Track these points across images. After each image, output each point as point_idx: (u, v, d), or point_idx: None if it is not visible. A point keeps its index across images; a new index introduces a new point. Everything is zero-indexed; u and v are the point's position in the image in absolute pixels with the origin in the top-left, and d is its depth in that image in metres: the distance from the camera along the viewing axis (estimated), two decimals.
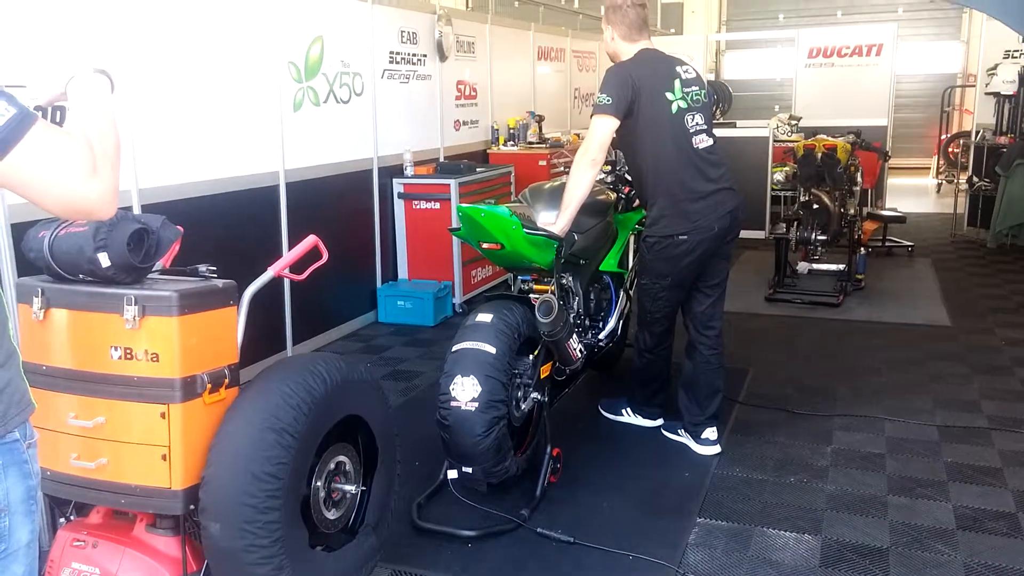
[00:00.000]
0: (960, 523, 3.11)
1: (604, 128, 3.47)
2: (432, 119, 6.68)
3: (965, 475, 3.48)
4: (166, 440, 2.18)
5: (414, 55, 6.30)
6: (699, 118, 3.61)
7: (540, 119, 8.13)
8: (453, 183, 5.96)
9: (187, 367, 2.17)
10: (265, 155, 4.73)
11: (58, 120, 1.71)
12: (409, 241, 6.14)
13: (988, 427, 3.94)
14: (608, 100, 3.45)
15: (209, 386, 2.22)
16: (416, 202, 6.07)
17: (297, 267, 2.63)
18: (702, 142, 3.60)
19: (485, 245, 3.40)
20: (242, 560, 2.15)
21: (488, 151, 7.62)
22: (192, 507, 2.21)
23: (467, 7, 11.18)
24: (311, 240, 2.60)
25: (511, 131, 7.85)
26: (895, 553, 2.92)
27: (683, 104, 3.55)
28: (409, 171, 6.10)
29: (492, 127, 7.70)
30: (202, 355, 2.23)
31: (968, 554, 2.90)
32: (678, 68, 3.64)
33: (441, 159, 6.69)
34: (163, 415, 2.17)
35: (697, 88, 3.66)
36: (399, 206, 6.08)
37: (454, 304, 6.06)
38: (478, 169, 6.52)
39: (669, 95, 3.53)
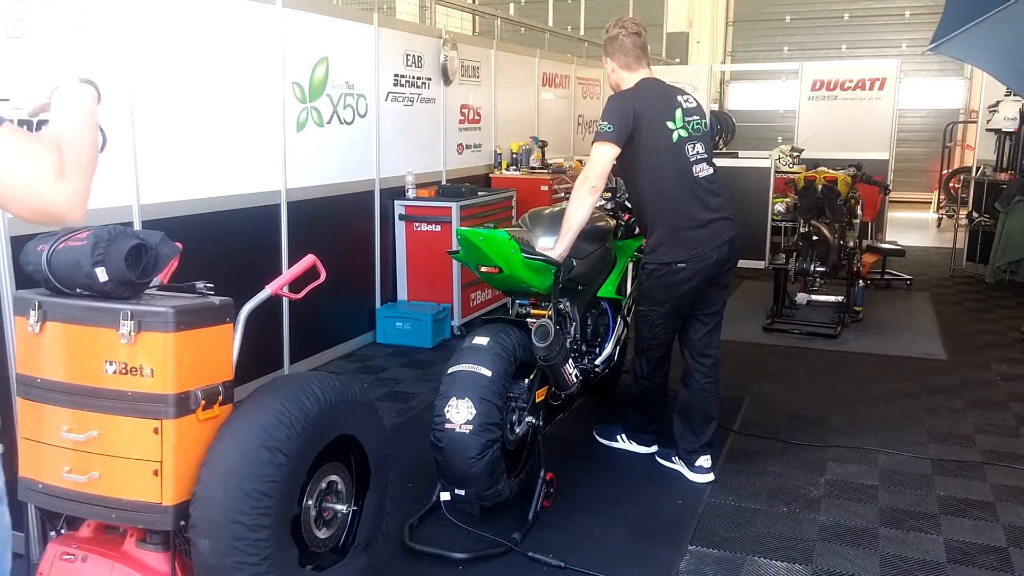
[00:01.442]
0: (951, 556, 3.10)
1: (604, 155, 3.50)
2: (435, 142, 6.73)
3: (957, 509, 3.47)
4: (158, 455, 2.18)
5: (419, 78, 6.36)
6: (700, 147, 3.64)
7: (543, 144, 8.18)
8: (454, 206, 6.00)
9: (181, 383, 2.18)
10: (267, 174, 4.77)
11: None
12: (409, 263, 6.16)
13: (981, 461, 3.94)
14: (609, 128, 3.49)
15: (203, 402, 2.23)
16: (417, 224, 6.10)
17: (295, 286, 2.65)
18: (702, 171, 3.63)
19: (483, 269, 3.42)
20: None
21: (490, 175, 7.66)
22: (183, 523, 2.20)
23: (474, 32, 11.28)
24: (309, 259, 2.62)
25: (514, 156, 7.89)
26: None
27: (684, 133, 3.59)
28: (411, 193, 6.13)
29: (495, 151, 7.76)
30: (197, 371, 2.24)
31: None
32: (679, 97, 3.67)
33: (443, 182, 6.73)
34: (156, 430, 2.17)
35: (698, 117, 3.69)
36: (400, 228, 6.11)
37: (453, 326, 6.07)
38: (480, 193, 6.56)
39: (670, 124, 3.57)
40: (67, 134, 1.47)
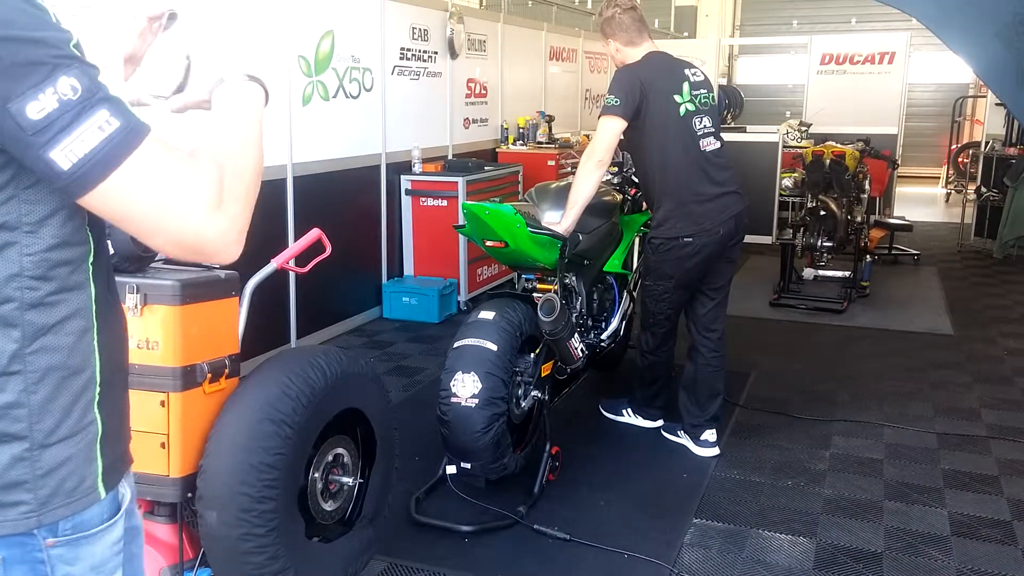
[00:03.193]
0: (955, 530, 3.11)
1: (611, 129, 3.49)
2: (441, 116, 6.70)
3: (962, 482, 3.48)
4: (165, 428, 2.20)
5: (425, 52, 6.32)
6: (707, 121, 3.62)
7: (550, 119, 8.14)
8: (461, 181, 5.98)
9: (187, 356, 2.19)
10: (273, 148, 4.76)
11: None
12: (416, 238, 6.16)
13: (987, 435, 3.94)
14: (616, 101, 3.47)
15: (209, 375, 2.24)
16: (423, 199, 6.09)
17: (301, 260, 2.65)
18: (709, 145, 3.61)
19: (489, 243, 3.42)
20: (238, 548, 2.17)
21: (497, 150, 7.64)
22: (190, 495, 2.23)
23: (480, 5, 11.19)
24: (315, 233, 2.63)
25: (520, 130, 7.86)
26: (889, 558, 2.93)
27: (691, 107, 3.56)
28: (417, 168, 6.12)
29: (502, 126, 7.72)
30: (203, 345, 2.25)
31: (961, 560, 2.91)
32: (687, 71, 3.65)
33: (450, 156, 6.71)
34: (163, 403, 2.19)
35: (705, 91, 3.67)
36: (406, 203, 6.10)
37: (459, 301, 6.08)
38: (486, 168, 6.54)
39: (677, 97, 3.55)
40: (230, 150, 1.15)
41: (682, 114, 3.53)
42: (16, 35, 0.96)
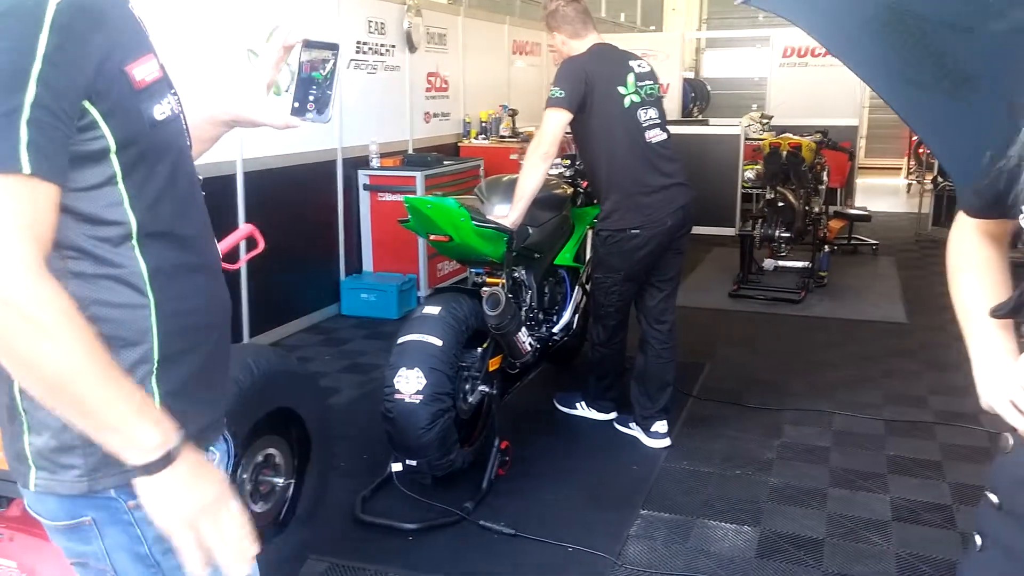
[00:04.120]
0: (896, 515, 3.15)
1: (557, 121, 3.49)
2: (401, 111, 6.66)
3: (905, 468, 3.53)
4: None
5: (382, 46, 6.28)
6: (652, 112, 3.63)
7: (513, 113, 8.13)
8: (419, 176, 5.95)
9: None
10: (222, 144, 4.65)
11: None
12: (374, 233, 6.12)
13: (933, 421, 3.99)
14: (561, 93, 3.47)
15: None
16: (382, 194, 6.06)
17: (238, 256, 2.63)
18: (655, 136, 3.61)
19: (433, 237, 3.41)
20: None
21: (459, 144, 7.61)
22: None
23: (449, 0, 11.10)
24: (246, 229, 2.61)
25: (483, 124, 7.83)
26: (830, 544, 2.96)
27: (636, 98, 3.57)
28: (375, 163, 6.08)
29: (464, 120, 7.70)
30: None
31: (901, 545, 2.94)
32: (632, 62, 3.65)
33: (410, 151, 6.68)
34: None
35: (651, 82, 3.67)
36: (364, 198, 6.07)
37: (419, 297, 6.04)
38: (445, 162, 6.51)
39: (622, 89, 3.55)
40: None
41: (627, 105, 3.53)
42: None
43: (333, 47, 1.46)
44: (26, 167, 0.98)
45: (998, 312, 1.21)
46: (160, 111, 1.16)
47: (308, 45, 1.46)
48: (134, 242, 1.12)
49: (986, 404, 1.21)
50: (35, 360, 0.99)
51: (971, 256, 1.31)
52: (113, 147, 1.09)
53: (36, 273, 0.97)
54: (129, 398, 1.05)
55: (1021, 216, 1.10)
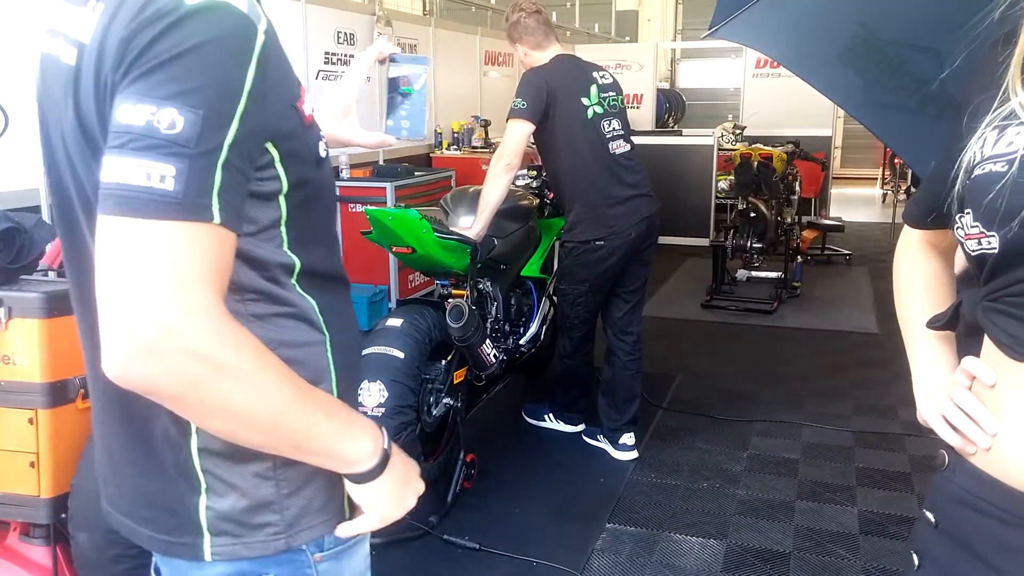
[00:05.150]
0: (864, 528, 3.13)
1: (519, 132, 3.46)
2: (371, 121, 6.56)
3: (874, 480, 3.51)
4: (34, 447, 2.11)
5: (351, 56, 6.23)
6: (616, 123, 3.61)
7: (486, 123, 8.11)
8: (389, 186, 5.90)
9: (56, 371, 2.11)
10: None
11: None
12: (345, 244, 6.02)
13: (902, 433, 3.97)
14: (523, 104, 3.44)
15: (82, 391, 2.15)
16: (352, 205, 5.99)
17: None
18: (619, 147, 3.59)
19: (396, 249, 3.37)
20: (110, 571, 2.09)
21: (431, 155, 7.57)
22: (64, 516, 2.14)
23: (424, 11, 11.09)
24: None
25: (455, 135, 7.81)
26: (796, 557, 2.93)
27: (599, 109, 3.55)
28: (345, 174, 6.02)
29: (436, 131, 7.66)
30: (76, 359, 2.15)
31: (868, 559, 2.92)
32: (595, 74, 3.64)
33: (380, 162, 6.63)
34: (31, 420, 2.10)
35: (614, 94, 3.66)
36: None
37: (390, 308, 6.00)
38: (416, 173, 6.46)
39: (585, 100, 3.53)
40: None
41: (590, 116, 3.51)
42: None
43: (422, 60, 1.43)
44: (216, 216, 0.87)
45: (935, 323, 1.18)
46: (323, 147, 1.08)
47: (396, 60, 1.43)
48: (295, 280, 1.04)
49: (921, 419, 1.19)
50: (243, 409, 0.91)
51: (913, 268, 1.28)
52: (285, 189, 1.00)
53: (226, 323, 0.88)
54: (338, 415, 1.01)
55: (956, 228, 1.07)
